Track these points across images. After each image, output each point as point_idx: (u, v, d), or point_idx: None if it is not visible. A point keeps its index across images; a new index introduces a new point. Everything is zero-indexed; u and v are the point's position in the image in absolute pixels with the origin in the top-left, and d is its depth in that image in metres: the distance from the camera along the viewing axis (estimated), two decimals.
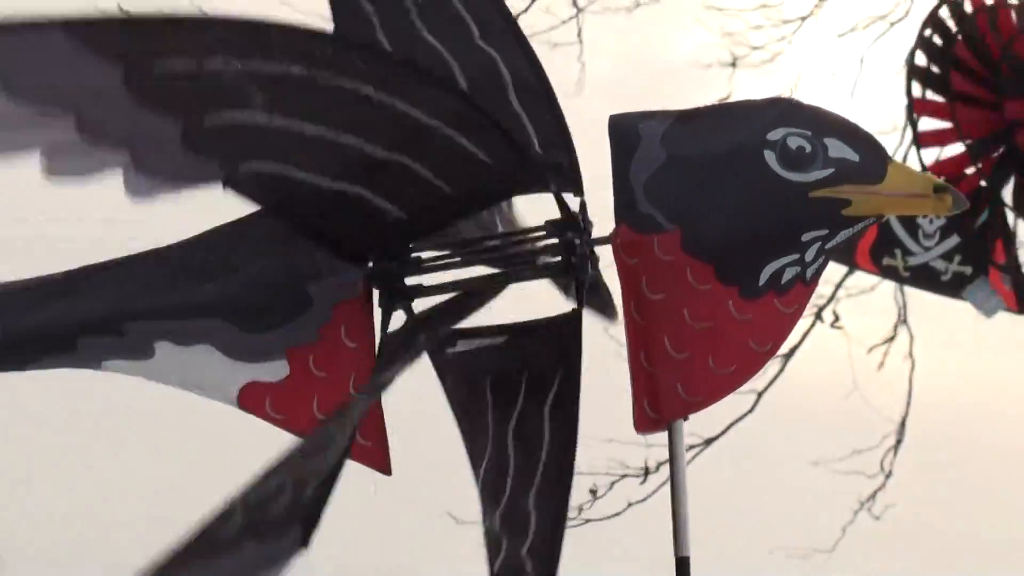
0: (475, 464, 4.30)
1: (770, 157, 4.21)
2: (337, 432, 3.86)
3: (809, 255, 4.27)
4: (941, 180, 4.84)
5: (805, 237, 4.25)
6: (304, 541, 3.67)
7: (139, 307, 4.14)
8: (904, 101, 6.42)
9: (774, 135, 4.22)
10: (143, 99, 3.65)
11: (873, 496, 10.64)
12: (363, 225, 4.17)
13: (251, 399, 4.21)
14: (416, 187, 4.09)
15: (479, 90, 4.20)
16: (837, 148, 4.22)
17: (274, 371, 4.22)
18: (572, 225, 4.26)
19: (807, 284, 4.30)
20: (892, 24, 10.33)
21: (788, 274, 4.25)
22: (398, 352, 4.20)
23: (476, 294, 4.30)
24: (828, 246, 4.29)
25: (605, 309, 4.42)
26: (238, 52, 3.75)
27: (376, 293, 4.27)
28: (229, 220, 4.23)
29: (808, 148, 4.21)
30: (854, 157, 4.23)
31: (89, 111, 3.59)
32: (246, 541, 3.46)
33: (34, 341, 4.13)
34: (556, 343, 4.34)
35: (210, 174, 3.92)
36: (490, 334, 4.36)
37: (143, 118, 3.67)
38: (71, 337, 4.13)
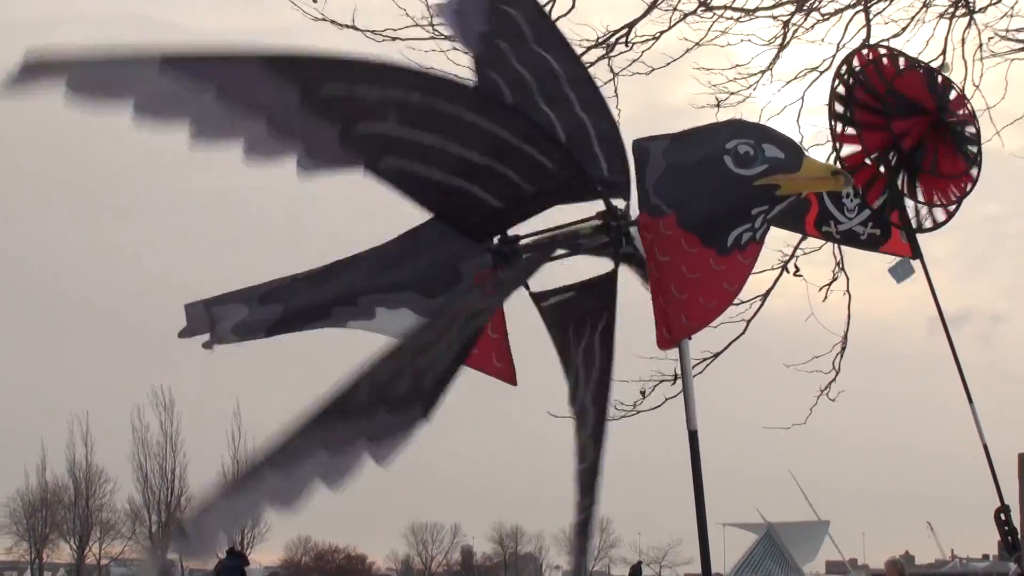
0: (568, 376, 4.44)
1: (727, 160, 4.23)
2: (444, 337, 3.94)
3: (757, 223, 4.29)
4: (836, 166, 4.86)
5: (754, 211, 4.27)
6: (425, 415, 3.83)
7: (366, 285, 4.35)
8: (828, 128, 6.39)
9: (730, 144, 4.25)
10: (313, 110, 3.71)
11: (828, 386, 10.54)
12: (470, 211, 4.25)
13: None
14: (504, 184, 4.16)
15: (572, 139, 4.29)
16: (771, 150, 4.25)
17: None
18: (613, 215, 4.33)
19: (758, 242, 4.32)
20: (821, 73, 10.33)
21: (745, 237, 4.27)
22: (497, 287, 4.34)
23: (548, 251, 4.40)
24: (769, 216, 4.31)
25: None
26: (379, 83, 3.82)
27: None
28: (408, 229, 4.40)
29: (752, 152, 4.23)
30: (781, 155, 4.26)
31: (276, 116, 3.63)
32: (376, 408, 3.61)
33: (307, 312, 4.34)
34: (604, 292, 4.42)
35: (357, 164, 3.98)
36: (566, 289, 4.50)
37: (312, 123, 3.73)
38: (328, 308, 4.35)
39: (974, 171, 6.46)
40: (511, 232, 4.40)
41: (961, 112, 6.50)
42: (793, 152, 4.31)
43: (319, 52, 3.77)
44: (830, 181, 4.45)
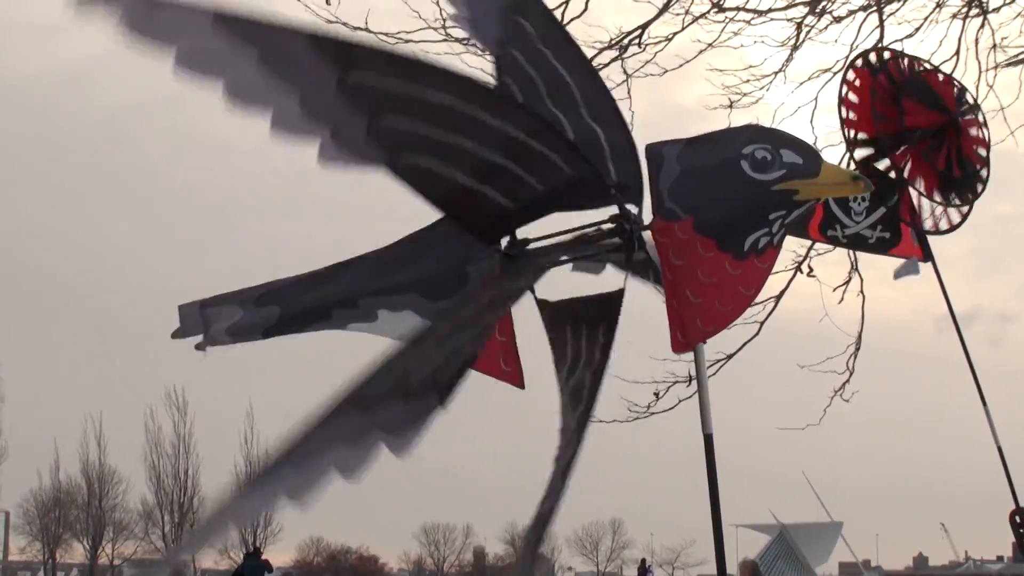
0: (559, 371, 4.35)
1: (745, 165, 4.22)
2: (459, 331, 3.98)
3: (775, 228, 4.27)
4: (856, 171, 4.84)
5: (771, 216, 4.26)
6: (442, 404, 3.81)
7: (367, 287, 4.32)
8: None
9: (747, 150, 4.23)
10: (346, 97, 3.65)
11: (842, 387, 10.55)
12: (480, 210, 4.19)
13: None
14: (516, 183, 4.10)
15: (582, 147, 4.25)
16: (788, 155, 4.23)
17: None
18: (627, 218, 4.32)
19: (775, 247, 4.31)
20: (834, 74, 10.32)
21: (762, 242, 4.26)
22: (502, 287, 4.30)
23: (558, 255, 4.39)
24: (787, 221, 4.29)
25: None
26: (408, 78, 3.76)
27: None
28: (415, 231, 4.37)
29: (769, 157, 4.22)
30: (799, 160, 4.24)
31: (310, 95, 3.58)
32: (393, 399, 3.61)
33: (306, 314, 4.32)
34: (607, 308, 4.41)
35: (379, 159, 3.91)
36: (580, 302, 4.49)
37: (343, 109, 3.67)
38: (328, 310, 4.33)
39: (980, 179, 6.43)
40: (520, 235, 4.36)
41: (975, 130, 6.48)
42: (811, 157, 4.29)
43: (364, 40, 3.76)
44: (850, 186, 4.43)
